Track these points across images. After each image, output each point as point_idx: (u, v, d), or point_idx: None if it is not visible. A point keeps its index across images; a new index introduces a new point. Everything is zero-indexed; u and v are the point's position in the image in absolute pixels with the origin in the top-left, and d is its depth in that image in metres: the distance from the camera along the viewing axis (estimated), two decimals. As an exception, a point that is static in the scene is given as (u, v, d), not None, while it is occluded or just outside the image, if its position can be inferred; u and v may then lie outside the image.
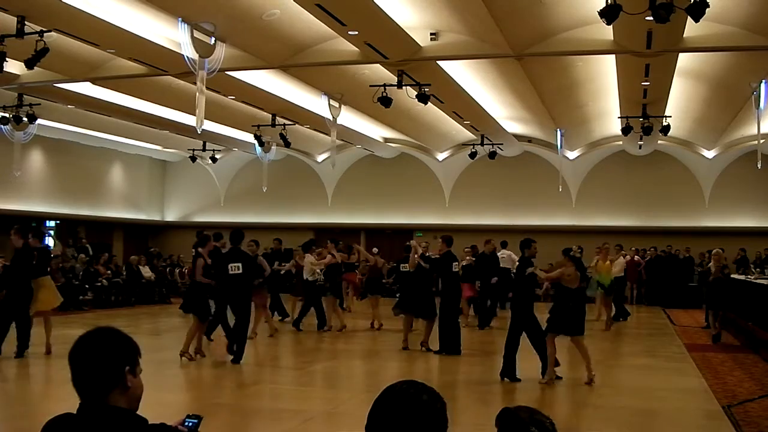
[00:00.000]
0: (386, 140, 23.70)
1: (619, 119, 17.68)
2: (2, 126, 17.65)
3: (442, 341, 11.24)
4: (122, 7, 11.51)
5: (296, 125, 19.78)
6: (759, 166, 15.90)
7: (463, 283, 15.25)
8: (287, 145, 20.27)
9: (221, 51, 12.33)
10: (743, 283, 13.68)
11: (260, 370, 10.33)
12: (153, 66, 13.88)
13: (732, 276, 15.06)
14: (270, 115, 18.89)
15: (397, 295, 13.97)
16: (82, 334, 2.14)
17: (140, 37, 12.27)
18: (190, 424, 2.31)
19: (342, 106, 17.04)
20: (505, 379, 9.09)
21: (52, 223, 23.20)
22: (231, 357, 10.21)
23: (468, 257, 15.64)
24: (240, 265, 10.35)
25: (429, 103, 15.42)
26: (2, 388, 8.71)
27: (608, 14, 8.95)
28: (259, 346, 12.28)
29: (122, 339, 2.14)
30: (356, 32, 11.87)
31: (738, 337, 13.35)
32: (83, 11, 11.08)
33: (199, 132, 13.73)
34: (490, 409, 7.04)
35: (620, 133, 18.33)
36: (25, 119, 17.36)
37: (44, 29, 11.59)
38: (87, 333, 2.14)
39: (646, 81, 14.34)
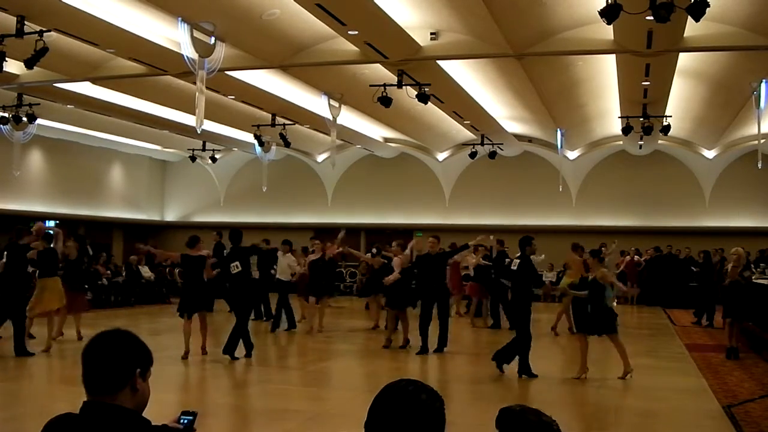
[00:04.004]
0: (386, 140, 23.69)
1: (620, 119, 17.67)
2: (2, 126, 17.63)
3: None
4: (122, 7, 11.50)
5: (296, 125, 19.77)
6: (759, 166, 15.91)
7: (473, 283, 15.36)
8: (287, 145, 20.27)
9: (221, 51, 12.32)
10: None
11: (260, 370, 10.33)
12: (153, 66, 13.87)
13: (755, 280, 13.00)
14: (270, 115, 18.89)
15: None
16: (99, 332, 2.17)
17: (140, 37, 12.26)
18: (186, 421, 2.30)
19: (342, 106, 17.03)
20: (523, 376, 9.31)
21: (51, 223, 23.18)
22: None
23: (479, 257, 15.59)
24: (239, 263, 10.68)
25: (429, 103, 15.41)
26: (2, 387, 8.70)
27: (608, 14, 8.95)
28: (257, 346, 12.24)
29: (138, 342, 2.17)
30: (356, 32, 11.86)
31: (738, 337, 13.31)
32: (83, 11, 11.07)
33: (199, 132, 13.73)
34: (489, 408, 7.04)
35: (620, 133, 18.32)
36: (24, 119, 17.34)
37: (44, 29, 11.57)
38: (104, 332, 2.17)
39: (647, 81, 14.33)
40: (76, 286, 12.29)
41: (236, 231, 11.13)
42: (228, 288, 10.90)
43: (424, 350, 11.20)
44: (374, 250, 16.17)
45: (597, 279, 9.37)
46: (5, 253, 10.85)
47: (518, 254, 9.85)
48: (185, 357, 10.33)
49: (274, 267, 15.01)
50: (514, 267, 9.72)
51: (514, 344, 9.50)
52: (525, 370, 9.35)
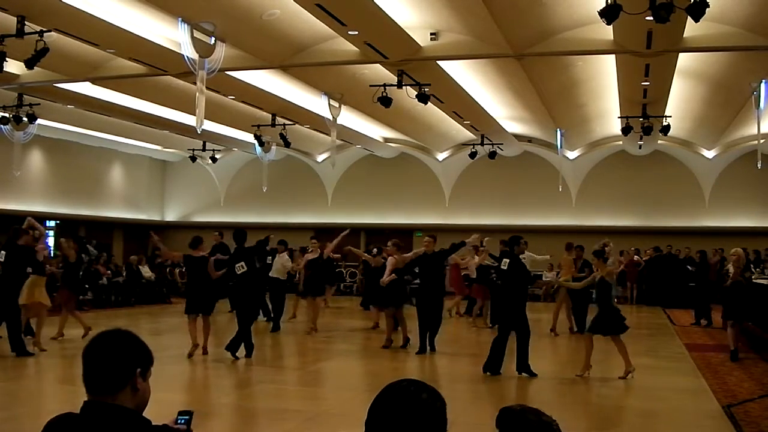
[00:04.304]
0: (386, 140, 23.70)
1: (619, 119, 17.68)
2: (2, 126, 17.65)
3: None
4: (122, 7, 11.51)
5: (296, 125, 19.78)
6: (759, 166, 15.93)
7: (477, 285, 15.35)
8: (287, 145, 20.28)
9: (221, 51, 12.33)
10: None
11: (260, 370, 10.33)
12: (153, 66, 13.88)
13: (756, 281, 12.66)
14: (270, 115, 18.89)
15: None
16: (100, 331, 2.19)
17: (140, 37, 12.27)
18: (183, 420, 2.31)
19: (342, 106, 17.04)
20: (488, 373, 9.35)
21: (52, 223, 23.20)
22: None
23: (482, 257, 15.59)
24: (244, 263, 10.70)
25: (429, 103, 15.42)
26: (2, 387, 8.70)
27: (608, 14, 8.95)
28: (257, 346, 12.25)
29: (138, 342, 2.18)
30: (356, 32, 11.87)
31: (738, 338, 13.30)
32: (83, 11, 11.08)
33: (199, 132, 13.74)
34: (489, 407, 7.06)
35: (620, 133, 18.33)
36: (25, 119, 17.35)
37: (44, 29, 11.59)
38: (105, 331, 2.18)
39: (646, 81, 14.34)
40: (71, 287, 12.40)
41: (241, 231, 11.08)
42: (232, 288, 10.88)
43: (423, 350, 11.22)
44: (375, 250, 16.15)
45: (604, 278, 9.37)
46: (3, 253, 10.70)
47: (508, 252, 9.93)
48: (191, 355, 10.39)
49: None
50: (504, 267, 9.75)
51: (497, 347, 9.49)
52: (524, 368, 9.36)
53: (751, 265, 18.82)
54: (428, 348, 11.31)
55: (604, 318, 9.29)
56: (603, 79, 15.60)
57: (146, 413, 2.14)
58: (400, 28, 11.84)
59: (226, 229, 15.57)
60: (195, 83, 12.54)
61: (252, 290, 11.07)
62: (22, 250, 10.65)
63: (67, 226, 23.43)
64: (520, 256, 10.08)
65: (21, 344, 10.29)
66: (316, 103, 17.02)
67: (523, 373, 9.34)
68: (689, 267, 19.96)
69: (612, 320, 9.27)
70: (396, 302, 12.15)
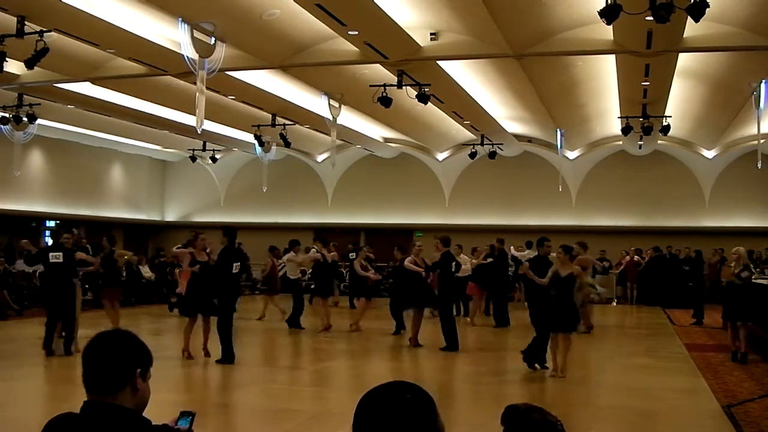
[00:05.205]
0: (386, 140, 23.69)
1: (619, 119, 17.68)
2: (2, 126, 17.64)
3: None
4: (122, 7, 11.51)
5: (296, 125, 19.78)
6: (759, 166, 15.93)
7: (472, 283, 15.45)
8: (287, 145, 20.28)
9: (221, 51, 12.33)
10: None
11: (260, 370, 10.34)
12: (153, 66, 13.87)
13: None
14: (270, 115, 18.89)
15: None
16: (100, 332, 2.19)
17: (140, 37, 12.27)
18: (185, 422, 2.31)
19: (342, 106, 17.04)
20: (536, 365, 9.60)
21: (52, 223, 23.20)
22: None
23: (480, 257, 15.76)
24: (239, 264, 10.67)
25: (429, 103, 15.42)
26: (2, 387, 8.70)
27: (608, 14, 8.95)
28: (258, 346, 12.27)
29: (138, 342, 2.18)
30: (356, 32, 11.87)
31: (745, 341, 13.25)
32: (83, 11, 11.08)
33: (199, 132, 13.74)
34: (490, 407, 7.06)
35: (620, 133, 18.34)
36: (25, 119, 17.34)
37: (44, 29, 11.58)
38: (105, 332, 2.19)
39: (646, 81, 14.34)
40: (118, 283, 14.09)
41: (232, 229, 10.90)
42: (220, 287, 10.58)
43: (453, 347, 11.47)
44: (354, 252, 16.18)
45: (574, 274, 9.42)
46: (60, 254, 10.94)
47: (535, 255, 10.14)
48: (183, 354, 10.40)
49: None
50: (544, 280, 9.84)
51: (537, 343, 9.67)
52: (538, 360, 9.59)
53: (751, 265, 18.83)
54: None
55: (560, 313, 9.25)
56: (603, 79, 15.60)
57: (146, 413, 2.14)
58: (400, 28, 11.84)
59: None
60: (195, 83, 12.54)
61: (237, 291, 11.12)
62: (71, 252, 11.27)
63: (67, 226, 23.39)
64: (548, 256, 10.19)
65: (50, 342, 10.75)
66: (316, 103, 17.01)
67: (530, 365, 9.57)
68: (685, 267, 20.00)
69: (567, 316, 9.25)
70: (422, 303, 12.24)
